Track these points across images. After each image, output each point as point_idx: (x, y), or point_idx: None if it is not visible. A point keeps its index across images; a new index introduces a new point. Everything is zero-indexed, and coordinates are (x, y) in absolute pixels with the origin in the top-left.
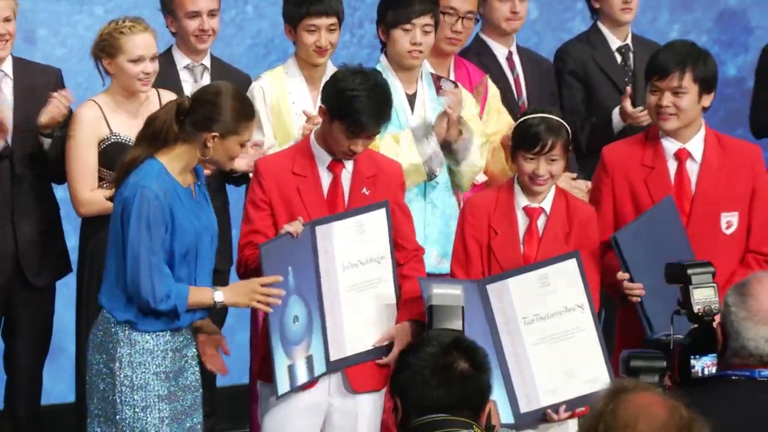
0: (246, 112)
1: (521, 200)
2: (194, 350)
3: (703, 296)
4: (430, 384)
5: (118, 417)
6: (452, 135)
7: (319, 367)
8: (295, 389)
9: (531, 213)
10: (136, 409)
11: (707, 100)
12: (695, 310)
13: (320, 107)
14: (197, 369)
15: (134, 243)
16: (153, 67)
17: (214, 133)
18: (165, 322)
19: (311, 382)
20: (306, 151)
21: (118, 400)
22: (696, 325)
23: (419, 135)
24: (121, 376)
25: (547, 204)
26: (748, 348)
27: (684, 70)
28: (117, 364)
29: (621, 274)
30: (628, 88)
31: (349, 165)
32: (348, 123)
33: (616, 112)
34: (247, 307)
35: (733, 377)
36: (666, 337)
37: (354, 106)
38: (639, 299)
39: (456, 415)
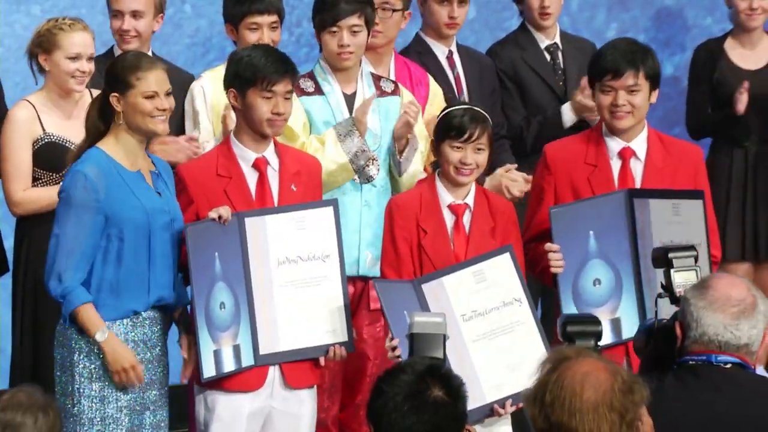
0: (136, 64)
1: (446, 197)
2: (164, 346)
3: (684, 279)
4: (402, 411)
5: (75, 409)
6: (400, 145)
7: (247, 359)
8: (221, 375)
9: (456, 210)
10: (94, 400)
11: (654, 97)
12: (677, 294)
13: (230, 93)
14: (165, 364)
15: (58, 224)
16: (89, 66)
17: (114, 94)
18: (118, 310)
19: (239, 372)
20: (227, 151)
21: (76, 392)
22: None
23: (342, 133)
24: (80, 366)
25: (470, 200)
26: (708, 334)
27: (638, 68)
28: (76, 355)
29: (549, 245)
30: (584, 81)
31: (274, 162)
32: (260, 80)
33: (566, 108)
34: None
35: (691, 362)
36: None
37: (255, 63)
38: (559, 271)
39: None
